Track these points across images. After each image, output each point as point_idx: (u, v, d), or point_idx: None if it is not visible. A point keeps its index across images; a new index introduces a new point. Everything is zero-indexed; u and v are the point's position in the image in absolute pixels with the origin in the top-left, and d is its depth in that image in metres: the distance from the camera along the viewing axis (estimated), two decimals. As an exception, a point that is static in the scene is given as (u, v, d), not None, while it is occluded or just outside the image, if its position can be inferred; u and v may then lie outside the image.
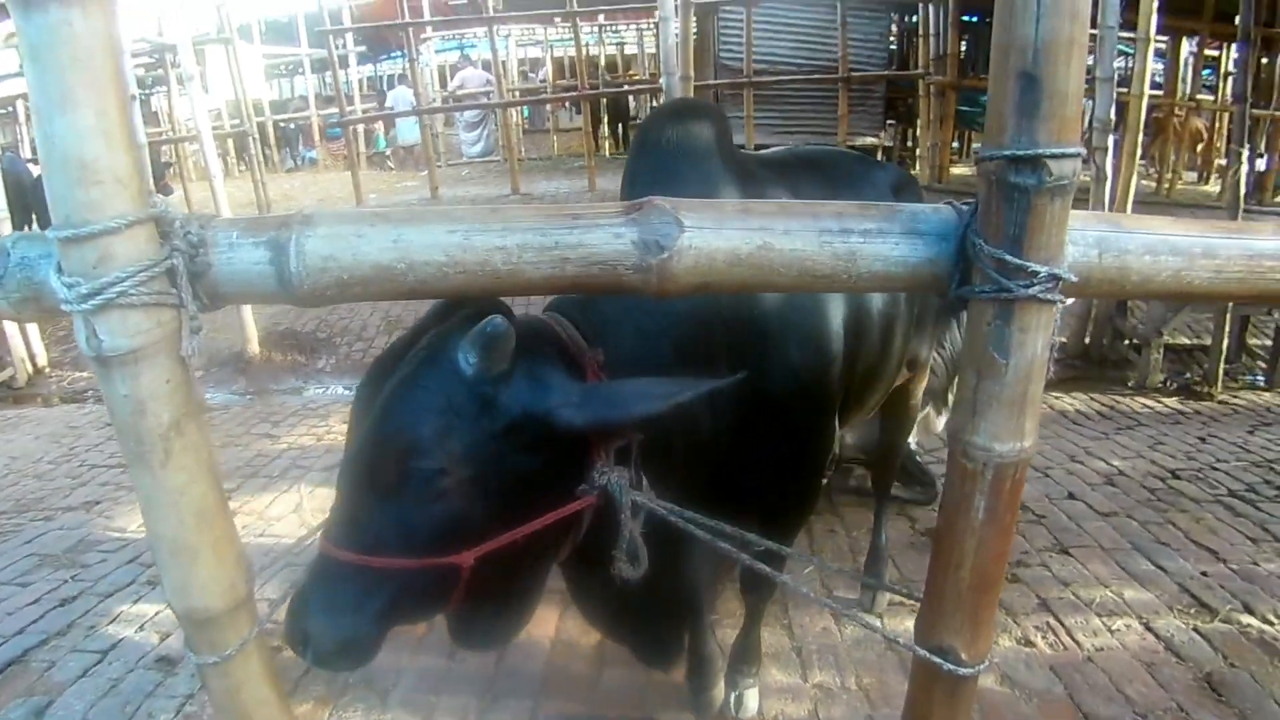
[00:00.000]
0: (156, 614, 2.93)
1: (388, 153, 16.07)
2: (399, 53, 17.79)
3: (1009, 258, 0.99)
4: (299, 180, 13.14)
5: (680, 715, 2.40)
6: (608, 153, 14.52)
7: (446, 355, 1.28)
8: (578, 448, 1.35)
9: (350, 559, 1.28)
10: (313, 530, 1.43)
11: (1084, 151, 0.99)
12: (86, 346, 0.99)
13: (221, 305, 1.09)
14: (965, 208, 1.08)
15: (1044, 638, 2.65)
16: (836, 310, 1.84)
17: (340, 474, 1.34)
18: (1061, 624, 2.72)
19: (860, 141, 10.16)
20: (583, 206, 1.07)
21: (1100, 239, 1.07)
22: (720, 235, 1.03)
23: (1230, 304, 4.99)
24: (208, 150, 5.28)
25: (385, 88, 19.70)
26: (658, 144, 1.74)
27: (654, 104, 15.66)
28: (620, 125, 15.89)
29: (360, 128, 14.50)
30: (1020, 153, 0.96)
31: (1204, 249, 1.10)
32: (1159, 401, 5.07)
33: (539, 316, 1.53)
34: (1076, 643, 2.62)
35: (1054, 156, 0.95)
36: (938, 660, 1.19)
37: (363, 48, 18.11)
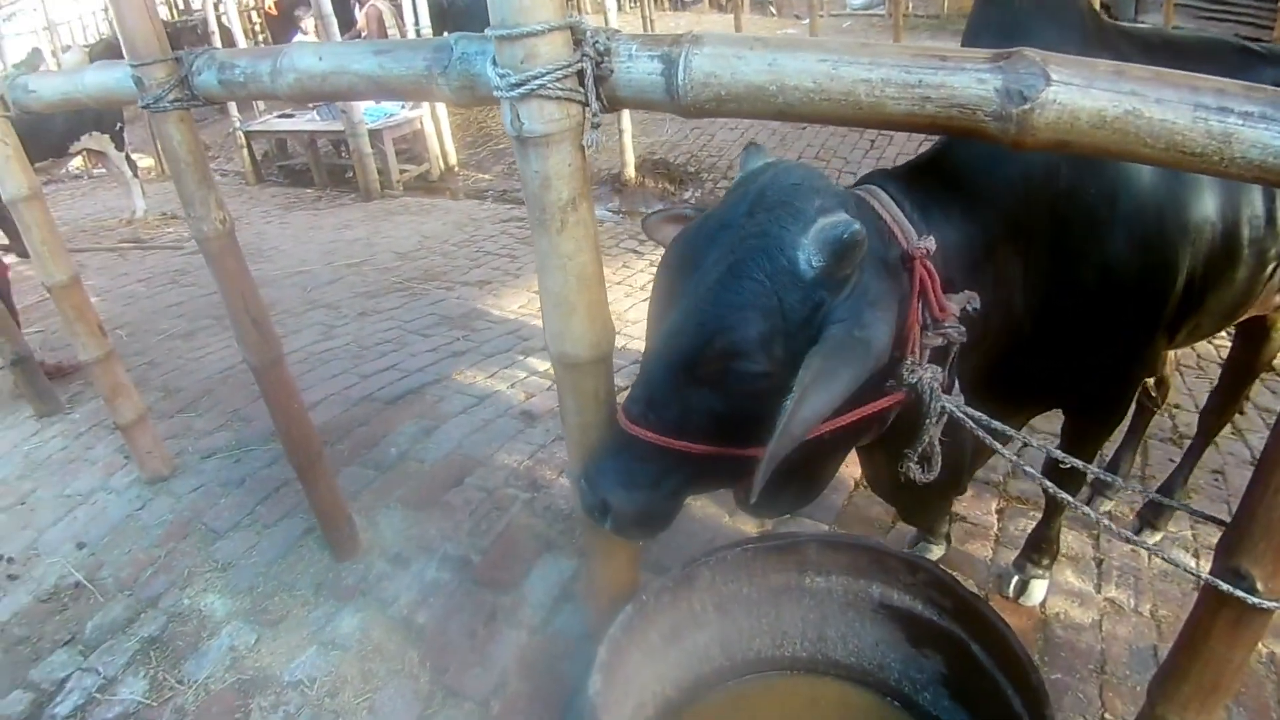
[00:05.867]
0: (525, 377, 3.56)
1: (771, -3, 15.80)
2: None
3: None
4: (685, 19, 13.51)
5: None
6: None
7: (786, 250, 1.19)
8: (893, 345, 1.29)
9: (651, 439, 1.27)
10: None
11: None
12: (510, 127, 1.24)
13: (619, 108, 1.29)
14: None
15: None
16: (1189, 211, 1.61)
17: (649, 350, 1.31)
18: None
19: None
20: (950, 50, 1.08)
21: None
22: (1087, 94, 0.99)
23: None
24: (607, -19, 5.66)
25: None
26: None
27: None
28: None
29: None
30: None
31: None
32: None
33: (861, 193, 1.42)
34: None
35: None
36: (1227, 584, 1.10)
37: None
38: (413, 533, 2.60)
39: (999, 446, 1.28)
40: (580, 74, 1.20)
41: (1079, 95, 0.99)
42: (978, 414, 1.30)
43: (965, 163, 1.50)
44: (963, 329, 1.34)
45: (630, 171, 6.62)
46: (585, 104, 1.23)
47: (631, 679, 1.60)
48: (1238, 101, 0.95)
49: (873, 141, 6.90)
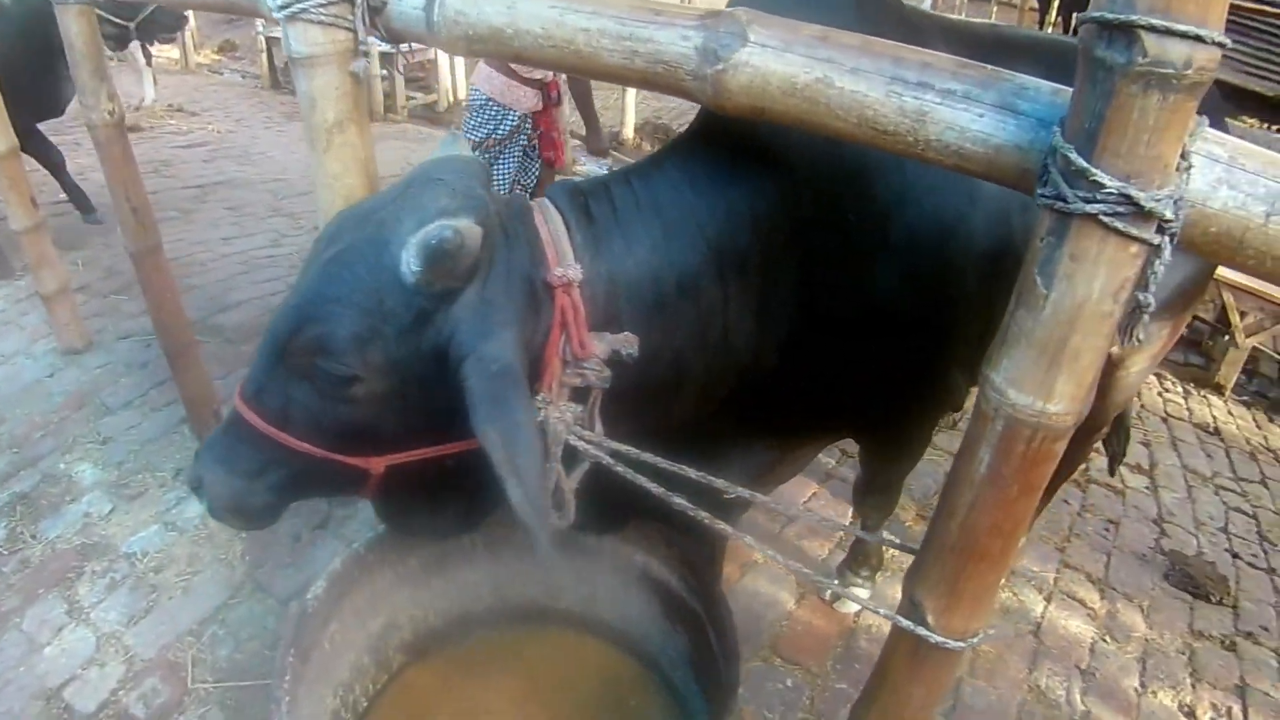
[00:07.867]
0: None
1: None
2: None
3: (1075, 157, 0.74)
4: None
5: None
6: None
7: (391, 248, 1.07)
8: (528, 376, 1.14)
9: (257, 424, 1.15)
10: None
11: (1216, 36, 0.68)
12: (285, 48, 1.28)
13: (397, 41, 1.32)
14: None
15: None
16: (985, 236, 1.38)
17: (267, 328, 1.18)
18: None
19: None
20: (672, 6, 1.05)
21: (1274, 191, 0.75)
22: (781, 58, 0.94)
23: None
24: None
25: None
26: None
27: None
28: (1071, 12, 10.73)
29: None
30: (1112, 16, 0.69)
31: None
32: None
33: (534, 204, 1.28)
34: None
35: (1155, 30, 0.68)
36: (899, 615, 1.05)
37: None
38: (282, 437, 2.67)
39: (654, 487, 1.14)
40: (351, 1, 1.23)
41: (773, 59, 0.94)
42: (620, 448, 1.18)
43: (673, 185, 1.32)
44: (606, 373, 1.21)
45: (629, 132, 6.60)
46: (353, 31, 1.25)
47: (381, 596, 1.65)
48: (941, 78, 0.86)
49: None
